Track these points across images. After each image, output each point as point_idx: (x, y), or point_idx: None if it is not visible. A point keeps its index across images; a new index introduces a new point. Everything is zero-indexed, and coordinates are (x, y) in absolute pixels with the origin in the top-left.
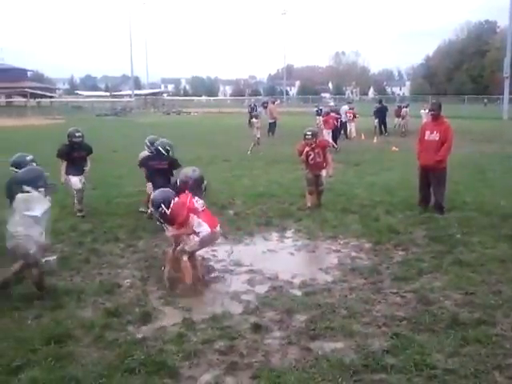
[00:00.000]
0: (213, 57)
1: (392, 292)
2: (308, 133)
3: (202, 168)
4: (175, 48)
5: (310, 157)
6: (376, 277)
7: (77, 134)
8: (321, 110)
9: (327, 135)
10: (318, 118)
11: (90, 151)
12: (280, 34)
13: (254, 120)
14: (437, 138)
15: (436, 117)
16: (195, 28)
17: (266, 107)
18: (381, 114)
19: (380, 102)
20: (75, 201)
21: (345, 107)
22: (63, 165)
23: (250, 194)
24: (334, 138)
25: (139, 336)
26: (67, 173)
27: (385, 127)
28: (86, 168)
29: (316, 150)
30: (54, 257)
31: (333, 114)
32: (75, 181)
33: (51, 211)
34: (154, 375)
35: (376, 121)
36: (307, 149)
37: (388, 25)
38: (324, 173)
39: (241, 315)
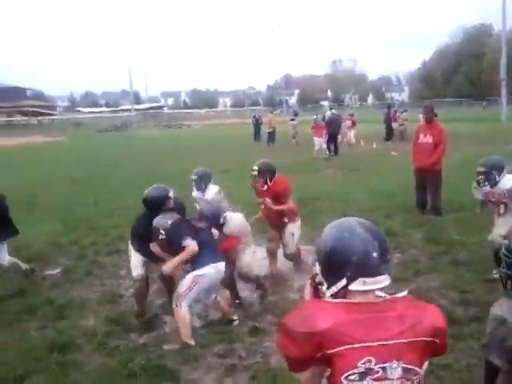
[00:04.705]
0: (211, 69)
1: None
2: (254, 168)
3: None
4: (174, 61)
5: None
6: None
7: (169, 199)
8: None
9: (318, 143)
10: None
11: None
12: (277, 44)
13: (293, 122)
14: (430, 141)
15: (429, 120)
16: (193, 41)
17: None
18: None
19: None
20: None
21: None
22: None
23: (249, 202)
24: (333, 144)
25: (140, 342)
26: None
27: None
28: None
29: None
30: (58, 270)
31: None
32: (134, 263)
33: (55, 227)
34: (154, 378)
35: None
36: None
37: (382, 31)
38: (290, 229)
39: (240, 319)
